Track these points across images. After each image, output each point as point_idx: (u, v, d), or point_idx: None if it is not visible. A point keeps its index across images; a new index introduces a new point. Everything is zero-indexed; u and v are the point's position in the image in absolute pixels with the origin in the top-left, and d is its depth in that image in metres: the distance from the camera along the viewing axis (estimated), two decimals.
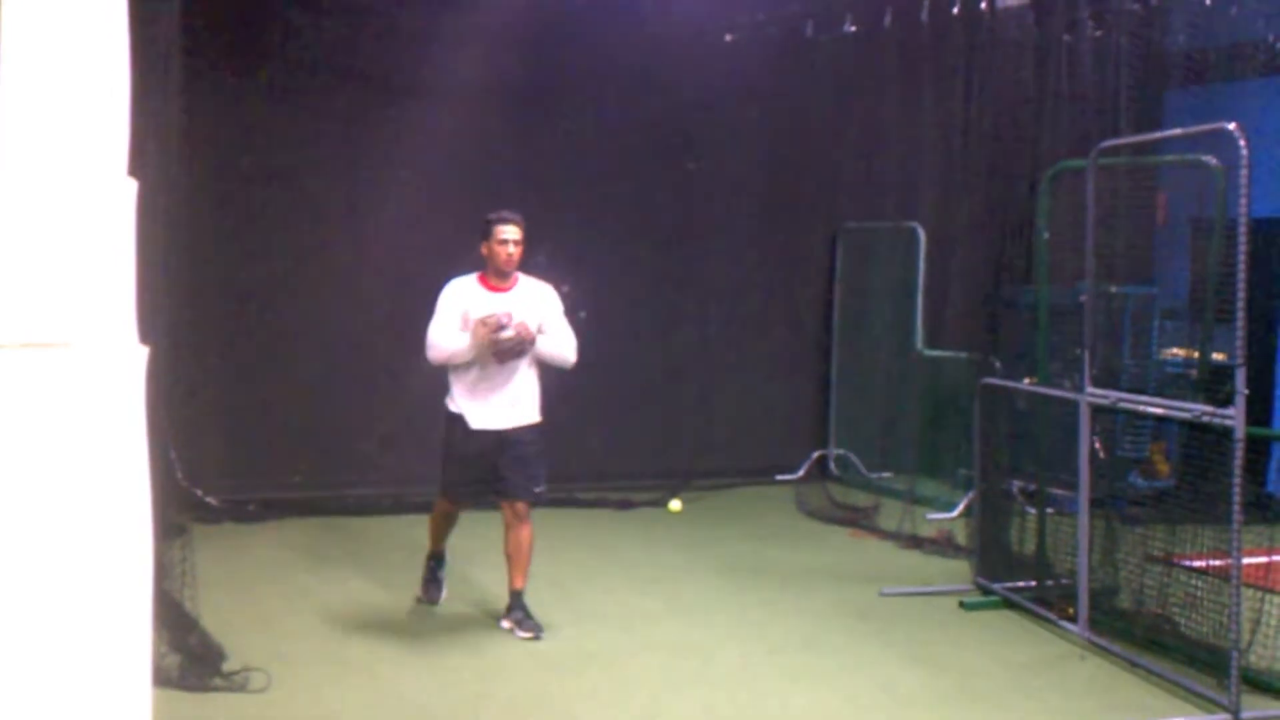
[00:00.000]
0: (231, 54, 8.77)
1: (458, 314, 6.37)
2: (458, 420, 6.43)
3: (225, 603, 6.35)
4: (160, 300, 5.12)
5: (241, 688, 5.37)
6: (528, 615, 6.42)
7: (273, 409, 9.25)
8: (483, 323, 6.19)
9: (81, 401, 3.22)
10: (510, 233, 6.36)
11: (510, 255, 6.36)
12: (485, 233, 6.40)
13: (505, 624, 6.43)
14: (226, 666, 5.51)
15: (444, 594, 6.88)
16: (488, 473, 6.41)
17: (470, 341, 6.22)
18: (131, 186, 3.41)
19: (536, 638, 6.30)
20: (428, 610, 6.76)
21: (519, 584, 6.47)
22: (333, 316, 9.36)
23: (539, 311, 6.42)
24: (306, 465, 9.35)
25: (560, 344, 6.40)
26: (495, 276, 6.43)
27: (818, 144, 10.63)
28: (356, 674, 5.69)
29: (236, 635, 5.87)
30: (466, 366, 6.37)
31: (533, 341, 6.30)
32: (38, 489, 3.18)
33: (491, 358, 6.26)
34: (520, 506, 6.40)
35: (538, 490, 6.44)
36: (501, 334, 6.19)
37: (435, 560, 6.92)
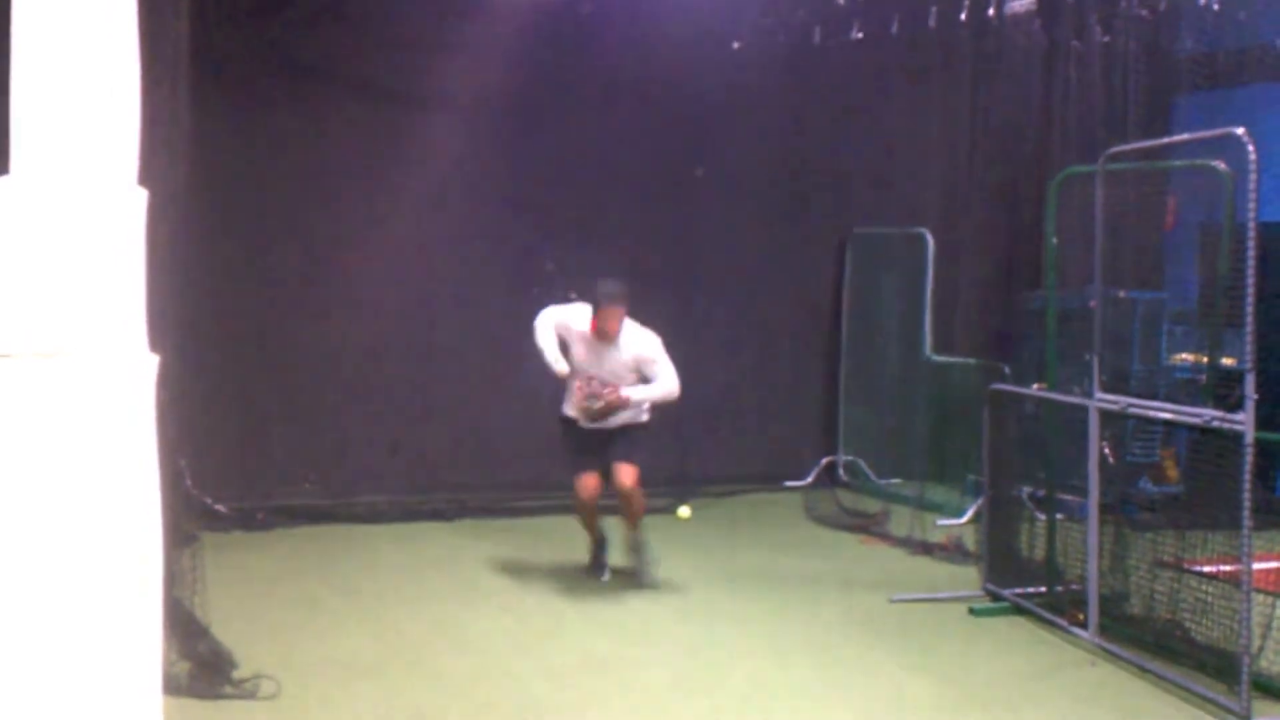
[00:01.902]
0: (241, 65, 8.80)
1: (559, 328, 7.26)
2: (571, 421, 7.36)
3: (235, 610, 6.35)
4: (170, 308, 5.13)
5: (251, 695, 5.38)
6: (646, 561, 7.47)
7: (283, 417, 9.27)
8: (582, 388, 7.11)
9: (92, 410, 3.24)
10: (614, 315, 7.07)
11: (612, 332, 7.10)
12: (595, 304, 7.11)
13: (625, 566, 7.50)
14: (236, 674, 5.52)
15: (607, 575, 7.60)
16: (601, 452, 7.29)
17: (555, 369, 7.18)
18: (142, 196, 3.43)
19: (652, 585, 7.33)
20: (435, 617, 6.76)
21: (634, 530, 7.46)
22: (343, 324, 9.38)
23: (638, 362, 7.16)
24: (316, 473, 9.37)
25: (655, 392, 7.17)
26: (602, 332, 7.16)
27: (826, 150, 10.64)
28: (366, 681, 5.70)
29: (246, 643, 5.87)
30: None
31: (625, 405, 7.09)
32: (49, 496, 3.20)
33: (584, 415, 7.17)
34: (630, 473, 7.20)
35: (640, 459, 7.29)
36: (593, 404, 7.06)
37: (599, 546, 7.64)
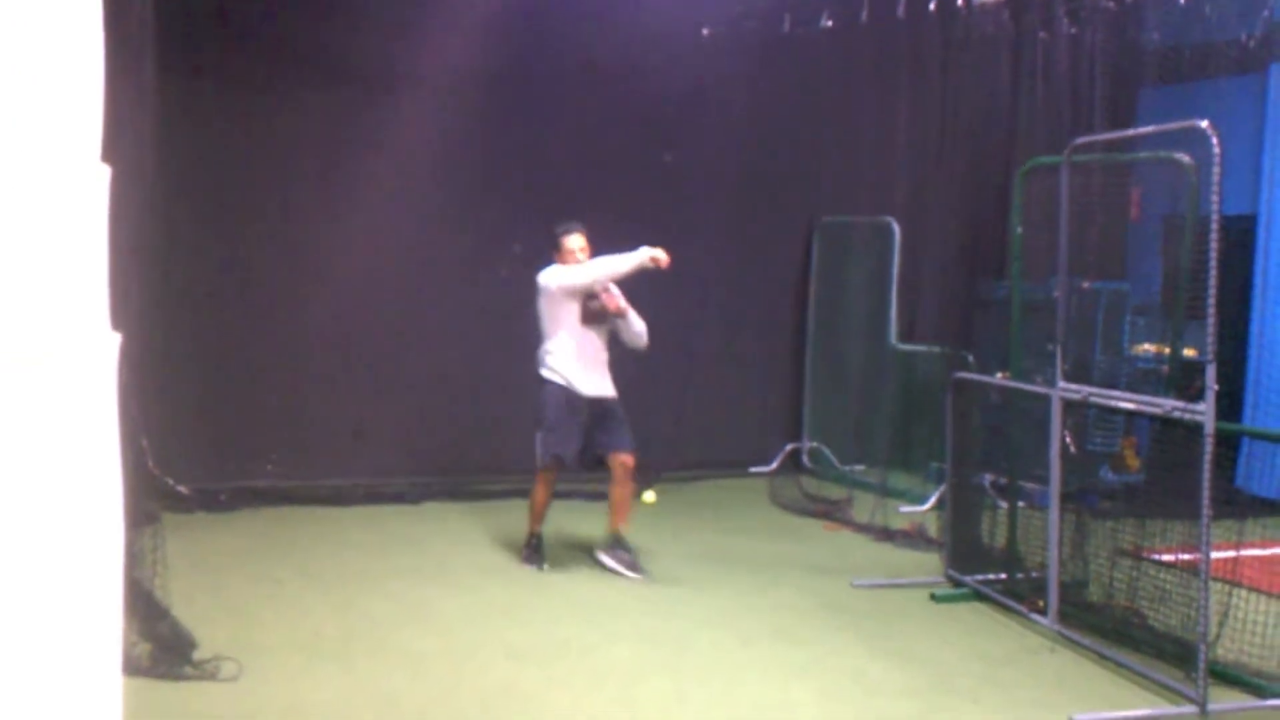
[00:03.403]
0: (207, 44, 8.71)
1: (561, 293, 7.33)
2: (560, 387, 7.30)
3: (196, 592, 6.32)
4: (132, 287, 5.09)
5: (212, 676, 5.35)
6: (626, 550, 7.42)
7: (246, 398, 9.21)
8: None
9: (51, 389, 3.21)
10: (576, 241, 7.38)
11: (580, 261, 7.34)
12: (556, 245, 7.38)
13: (603, 558, 7.44)
14: (197, 655, 5.49)
15: (545, 563, 7.54)
16: (586, 436, 7.35)
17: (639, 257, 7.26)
18: (105, 173, 3.39)
19: (634, 575, 7.29)
20: (398, 599, 6.75)
21: (617, 525, 7.46)
22: (307, 305, 9.33)
23: None
24: (279, 454, 9.32)
25: (636, 319, 7.48)
26: None
27: (794, 138, 10.66)
28: (328, 663, 5.68)
29: (207, 624, 5.84)
30: (570, 340, 7.34)
31: (621, 314, 7.40)
32: (5, 477, 3.17)
33: (580, 320, 7.31)
34: (628, 460, 7.40)
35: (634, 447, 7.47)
36: (592, 305, 7.33)
37: (537, 538, 7.57)
